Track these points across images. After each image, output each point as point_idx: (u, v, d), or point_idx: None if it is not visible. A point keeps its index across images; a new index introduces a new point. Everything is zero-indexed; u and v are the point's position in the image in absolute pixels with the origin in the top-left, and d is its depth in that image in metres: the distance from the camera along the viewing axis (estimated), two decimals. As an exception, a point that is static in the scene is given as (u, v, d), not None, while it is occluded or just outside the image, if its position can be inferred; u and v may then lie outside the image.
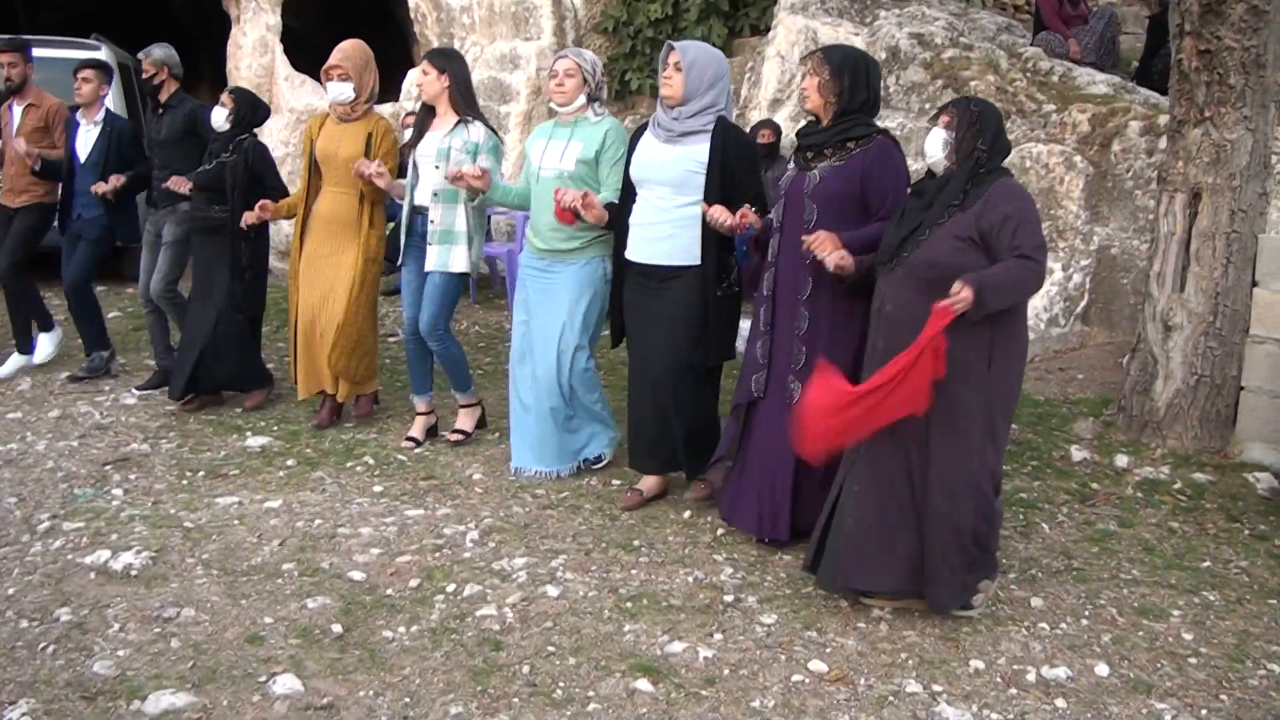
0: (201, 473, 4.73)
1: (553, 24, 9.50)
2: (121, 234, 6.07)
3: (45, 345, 6.28)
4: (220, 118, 5.48)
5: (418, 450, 5.03)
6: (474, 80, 9.82)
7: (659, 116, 4.10)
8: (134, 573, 3.72)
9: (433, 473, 4.75)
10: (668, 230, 4.07)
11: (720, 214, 3.81)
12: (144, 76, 5.87)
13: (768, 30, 9.78)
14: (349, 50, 5.11)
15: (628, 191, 4.22)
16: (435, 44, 9.75)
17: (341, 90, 5.03)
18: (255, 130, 5.65)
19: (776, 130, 7.78)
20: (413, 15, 9.96)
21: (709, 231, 3.94)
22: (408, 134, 5.12)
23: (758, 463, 3.88)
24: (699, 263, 4.05)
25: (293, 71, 9.62)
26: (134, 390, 5.89)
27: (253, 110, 5.63)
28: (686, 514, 4.29)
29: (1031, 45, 7.98)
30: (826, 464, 3.53)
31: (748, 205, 3.81)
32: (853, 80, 3.67)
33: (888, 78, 8.08)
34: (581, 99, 4.40)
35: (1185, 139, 4.87)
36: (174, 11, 13.34)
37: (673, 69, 4.00)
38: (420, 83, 4.78)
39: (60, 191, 6.03)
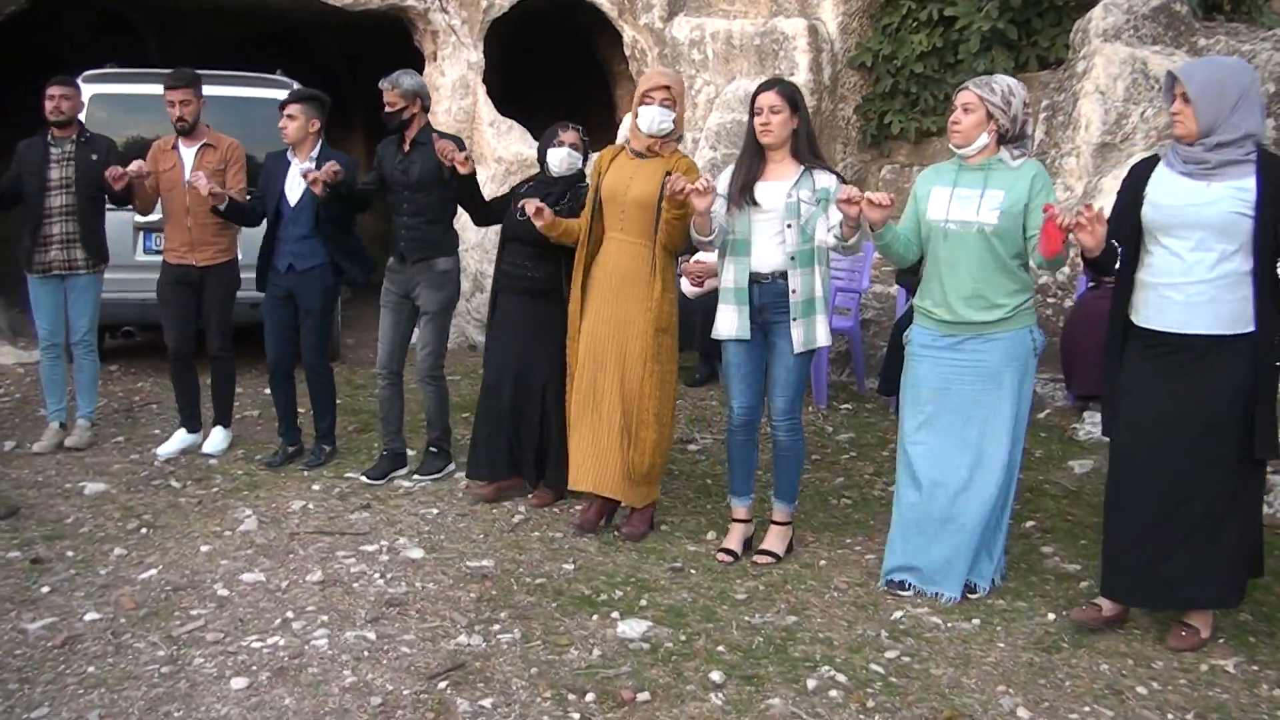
0: (590, 695, 3.01)
1: (808, 58, 7.91)
2: (353, 272, 5.08)
3: (219, 436, 5.39)
4: (573, 160, 4.48)
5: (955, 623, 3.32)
6: (711, 125, 8.34)
7: (1180, 150, 3.35)
8: None
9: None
10: (1209, 292, 3.27)
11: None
12: (388, 110, 4.70)
13: (1058, 63, 8.15)
14: (673, 75, 4.25)
15: (1126, 238, 3.45)
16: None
17: (663, 118, 4.10)
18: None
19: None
20: (629, 53, 8.44)
21: (1266, 286, 3.19)
22: None
23: None
24: (1249, 330, 3.26)
25: (498, 116, 8.08)
26: (363, 477, 4.84)
27: (588, 148, 4.54)
28: None
29: None
30: None
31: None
32: None
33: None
34: (984, 138, 3.67)
35: None
36: (315, 50, 11.96)
37: (1180, 101, 3.30)
38: (768, 122, 3.87)
39: (262, 241, 5.05)
